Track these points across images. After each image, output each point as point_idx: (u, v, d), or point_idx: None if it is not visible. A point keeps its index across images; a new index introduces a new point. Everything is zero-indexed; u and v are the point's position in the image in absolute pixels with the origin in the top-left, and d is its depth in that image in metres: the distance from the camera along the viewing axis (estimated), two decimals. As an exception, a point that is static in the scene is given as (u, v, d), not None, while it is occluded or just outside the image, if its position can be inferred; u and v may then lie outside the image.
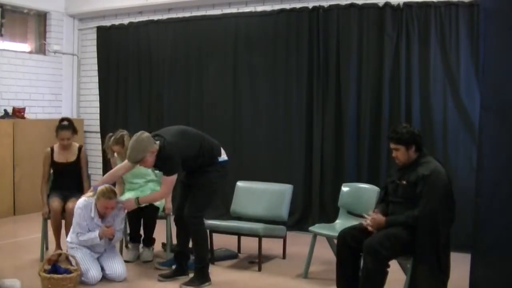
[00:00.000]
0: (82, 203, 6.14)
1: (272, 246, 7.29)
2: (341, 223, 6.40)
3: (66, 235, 6.53)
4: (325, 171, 8.60)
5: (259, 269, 6.64)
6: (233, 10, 9.50)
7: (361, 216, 5.52)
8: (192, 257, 6.34)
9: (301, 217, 8.70)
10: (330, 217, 7.76)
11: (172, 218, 6.95)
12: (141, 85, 10.34)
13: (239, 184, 7.48)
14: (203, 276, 6.01)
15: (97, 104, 10.95)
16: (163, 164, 5.81)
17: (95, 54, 10.97)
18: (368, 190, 6.53)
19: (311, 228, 6.47)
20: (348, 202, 6.69)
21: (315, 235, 6.34)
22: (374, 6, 8.23)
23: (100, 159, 10.56)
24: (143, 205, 6.50)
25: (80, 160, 7.19)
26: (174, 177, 5.83)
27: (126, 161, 6.08)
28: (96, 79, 10.94)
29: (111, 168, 6.79)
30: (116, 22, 10.70)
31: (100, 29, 10.87)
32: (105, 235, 6.10)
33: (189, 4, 9.82)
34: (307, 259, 6.36)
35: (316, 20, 8.63)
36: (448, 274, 5.05)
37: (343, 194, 6.73)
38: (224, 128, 9.15)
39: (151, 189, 6.96)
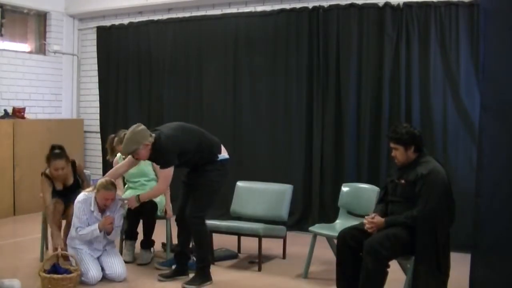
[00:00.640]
0: (82, 197, 6.16)
1: (272, 246, 7.29)
2: (341, 223, 6.40)
3: (65, 238, 6.53)
4: (325, 171, 8.60)
5: (259, 269, 6.64)
6: (233, 10, 9.50)
7: (361, 216, 5.52)
8: (192, 257, 6.36)
9: (301, 217, 8.70)
10: (330, 217, 7.76)
11: (172, 218, 6.97)
12: (141, 85, 10.34)
13: (239, 184, 7.48)
14: (204, 275, 6.03)
15: (97, 104, 10.95)
16: (157, 156, 5.83)
17: (95, 54, 10.98)
18: (368, 190, 6.53)
19: (311, 228, 6.47)
20: (348, 202, 6.69)
21: (315, 235, 6.34)
22: (374, 6, 8.23)
23: (100, 159, 10.57)
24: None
25: (78, 178, 6.85)
26: (170, 171, 5.82)
27: (127, 158, 6.10)
28: (96, 79, 10.95)
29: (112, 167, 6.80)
30: (116, 22, 10.71)
31: (100, 29, 10.88)
32: (104, 226, 6.09)
33: (189, 4, 9.82)
34: (307, 259, 6.36)
35: (316, 20, 8.63)
36: (448, 274, 5.04)
37: (343, 194, 6.73)
38: (224, 128, 9.14)
39: (151, 188, 6.96)
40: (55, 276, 5.63)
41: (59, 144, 6.74)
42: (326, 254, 6.62)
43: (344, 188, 6.77)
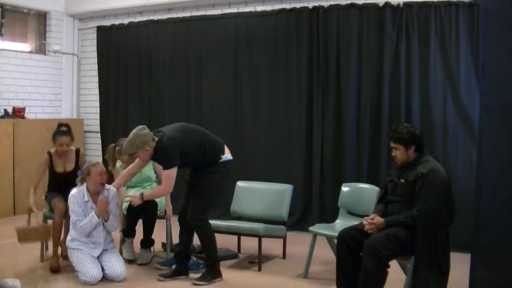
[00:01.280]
0: (74, 191, 6.24)
1: (272, 246, 7.30)
2: (341, 223, 6.41)
3: (64, 238, 6.55)
4: (325, 171, 8.60)
5: (259, 269, 6.64)
6: (233, 10, 9.50)
7: (361, 216, 5.52)
8: (193, 257, 6.39)
9: (301, 217, 8.70)
10: (330, 217, 7.76)
11: (173, 218, 6.98)
12: (141, 85, 10.35)
13: (239, 184, 7.49)
14: (214, 271, 6.12)
15: (97, 104, 10.96)
16: (160, 156, 5.88)
17: (95, 54, 10.98)
18: (368, 190, 6.54)
19: (311, 228, 6.47)
20: (348, 202, 6.69)
21: (315, 235, 6.34)
22: (374, 6, 8.23)
23: (100, 159, 10.55)
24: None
25: (79, 167, 7.00)
26: (173, 172, 5.83)
27: (138, 159, 6.13)
28: (96, 79, 10.95)
29: (113, 178, 6.82)
30: (116, 22, 10.71)
31: (100, 29, 10.88)
32: (100, 209, 6.11)
33: (189, 4, 9.82)
34: (307, 259, 6.36)
35: (316, 20, 8.63)
36: (448, 274, 5.04)
37: (343, 194, 6.74)
38: (224, 128, 9.14)
39: (150, 190, 6.97)
40: (27, 227, 6.53)
41: (65, 123, 7.21)
42: (326, 254, 6.63)
43: (344, 188, 6.78)
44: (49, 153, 6.99)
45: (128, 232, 7.00)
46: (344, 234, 5.27)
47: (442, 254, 4.96)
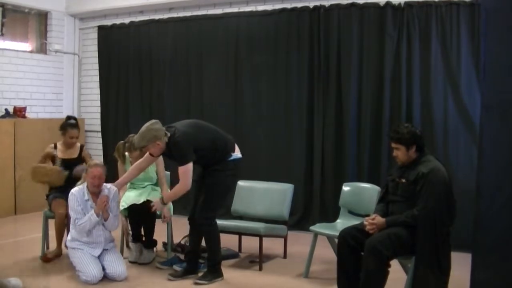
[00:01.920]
0: (75, 189, 6.26)
1: (273, 245, 7.30)
2: (342, 223, 6.41)
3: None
4: (325, 170, 8.61)
5: (260, 269, 6.65)
6: (234, 9, 9.50)
7: (362, 216, 5.52)
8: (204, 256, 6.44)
9: (302, 216, 8.71)
10: (331, 217, 7.77)
11: (173, 217, 7.00)
12: (142, 84, 10.35)
13: (240, 183, 7.48)
14: (215, 271, 6.13)
15: (98, 103, 10.97)
16: (174, 151, 5.84)
17: (96, 54, 10.98)
18: (369, 190, 6.53)
19: (312, 228, 6.47)
20: (349, 202, 6.70)
21: (316, 234, 6.34)
22: (375, 5, 8.23)
23: (101, 158, 10.56)
24: (145, 199, 6.66)
25: (82, 158, 7.22)
26: (189, 167, 5.78)
27: (146, 154, 6.14)
28: (97, 79, 10.96)
29: (118, 175, 6.84)
30: (117, 21, 10.71)
31: (101, 29, 10.88)
32: (99, 207, 6.11)
33: (190, 4, 9.82)
34: (308, 258, 6.36)
35: (317, 20, 8.63)
36: (449, 273, 5.04)
37: (344, 193, 6.74)
38: (224, 127, 8.99)
39: (150, 190, 6.98)
40: (42, 165, 6.96)
41: (73, 115, 7.56)
42: (327, 254, 6.64)
43: (345, 188, 6.78)
44: (55, 144, 7.23)
45: (134, 237, 7.03)
46: (345, 234, 5.27)
47: (442, 253, 4.96)
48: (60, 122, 7.46)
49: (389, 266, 4.97)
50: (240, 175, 6.36)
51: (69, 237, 6.34)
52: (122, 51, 10.58)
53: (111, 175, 6.87)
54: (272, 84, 9.01)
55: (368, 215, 5.41)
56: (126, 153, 7.05)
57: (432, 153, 5.52)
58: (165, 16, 10.17)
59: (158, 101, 10.15)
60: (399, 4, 8.05)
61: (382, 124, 8.11)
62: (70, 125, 7.16)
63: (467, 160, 7.54)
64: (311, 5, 8.73)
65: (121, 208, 6.70)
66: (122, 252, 6.95)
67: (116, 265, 6.17)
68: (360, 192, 6.65)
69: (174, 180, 7.45)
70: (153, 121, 5.88)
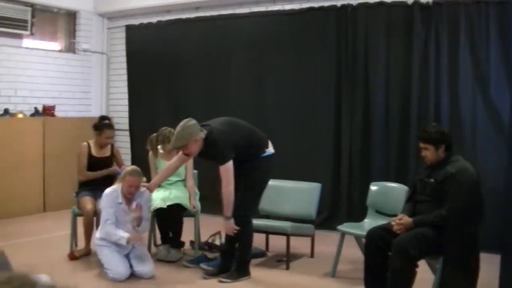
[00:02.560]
0: (109, 190, 6.28)
1: (300, 244, 7.29)
2: (369, 222, 6.37)
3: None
4: (353, 169, 8.58)
5: (287, 268, 6.64)
6: (261, 8, 9.49)
7: (390, 216, 5.49)
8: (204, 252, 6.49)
9: (329, 215, 8.69)
10: (358, 216, 7.72)
11: (200, 216, 7.01)
12: (169, 83, 10.39)
13: (268, 182, 7.46)
14: (243, 270, 6.14)
15: (126, 102, 11.04)
16: (212, 150, 5.81)
17: (124, 53, 11.05)
18: (397, 189, 6.49)
19: (339, 227, 6.46)
20: (376, 201, 6.66)
21: (343, 234, 6.33)
22: (403, 4, 8.17)
23: (129, 157, 10.63)
24: (171, 203, 6.76)
25: (114, 155, 7.38)
26: (230, 165, 5.77)
27: (179, 154, 6.14)
28: (125, 77, 11.03)
29: (147, 167, 6.90)
30: (145, 20, 10.76)
31: (128, 28, 10.94)
32: (133, 241, 6.17)
33: (217, 3, 9.84)
34: (335, 258, 6.35)
35: (344, 19, 8.60)
36: (477, 274, 5.00)
37: (371, 193, 6.70)
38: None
39: (179, 188, 7.00)
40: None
41: (105, 115, 7.71)
42: (354, 253, 6.61)
43: (373, 187, 6.74)
44: (88, 143, 7.29)
45: (163, 239, 7.11)
46: (372, 234, 5.26)
47: (471, 254, 4.92)
48: (88, 121, 7.54)
49: (416, 266, 4.93)
50: (273, 170, 6.33)
51: (97, 235, 6.37)
52: (149, 50, 10.62)
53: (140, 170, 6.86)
54: (299, 83, 8.99)
55: (395, 215, 5.38)
56: (159, 146, 7.09)
57: (460, 152, 5.48)
58: (192, 15, 10.19)
59: (184, 99, 10.18)
60: (427, 2, 7.99)
61: (410, 123, 8.05)
62: (106, 125, 7.27)
63: (496, 160, 7.45)
64: (339, 4, 8.69)
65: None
66: (149, 250, 6.97)
67: (144, 263, 6.20)
68: (388, 192, 6.62)
69: (201, 179, 7.51)
70: (187, 119, 5.85)
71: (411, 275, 4.88)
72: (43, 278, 5.60)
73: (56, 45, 10.88)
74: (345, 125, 8.60)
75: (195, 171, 7.33)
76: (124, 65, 11.05)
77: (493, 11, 7.55)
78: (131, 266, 6.18)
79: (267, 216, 7.31)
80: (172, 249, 6.93)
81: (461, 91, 7.74)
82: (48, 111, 10.05)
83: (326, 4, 8.81)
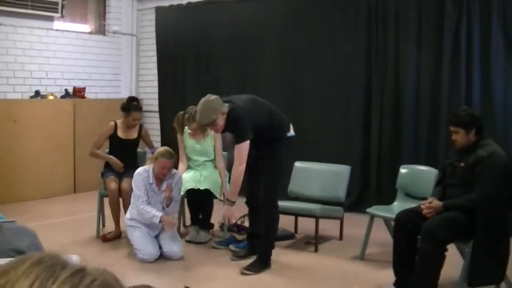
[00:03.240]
0: (141, 169, 6.35)
1: (329, 227, 7.28)
2: (399, 205, 6.35)
3: (125, 212, 6.67)
4: (382, 152, 8.54)
5: (316, 250, 6.67)
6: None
7: (419, 199, 5.47)
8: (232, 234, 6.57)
9: (358, 198, 8.67)
10: (387, 199, 7.70)
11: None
12: (199, 65, 10.40)
13: (297, 164, 7.47)
14: (264, 260, 5.98)
15: (156, 83, 11.06)
16: (233, 127, 5.71)
17: (154, 34, 11.06)
18: (427, 172, 6.46)
19: (368, 210, 6.46)
20: (406, 184, 6.63)
21: (372, 216, 6.33)
22: (434, -16, 8.09)
23: (159, 138, 10.68)
24: (202, 187, 6.79)
25: (142, 138, 7.42)
26: (246, 146, 5.64)
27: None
28: (155, 59, 11.05)
29: (176, 148, 7.01)
30: (175, 2, 10.75)
31: (158, 10, 10.95)
32: (165, 222, 6.19)
33: (247, -16, 9.81)
34: (364, 241, 6.36)
35: (374, 0, 8.52)
36: (507, 260, 4.97)
37: (401, 176, 6.68)
38: (281, 109, 9.13)
39: (208, 169, 7.03)
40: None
41: (135, 96, 7.88)
42: (383, 236, 6.59)
43: (402, 170, 6.71)
44: (115, 122, 7.34)
45: (193, 220, 7.17)
46: (402, 217, 5.25)
47: (501, 239, 4.90)
48: (118, 102, 7.59)
49: (446, 250, 4.92)
50: (294, 152, 6.33)
51: (128, 215, 6.43)
52: (179, 32, 10.62)
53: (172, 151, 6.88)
54: (329, 65, 8.95)
55: (425, 198, 5.37)
56: (186, 127, 7.12)
57: (492, 136, 5.43)
58: (222, -3, 10.18)
59: (214, 81, 10.18)
60: (459, -17, 7.90)
61: (440, 106, 7.98)
62: (134, 107, 7.27)
63: (529, 144, 7.40)
64: (369, -15, 8.63)
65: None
66: (179, 231, 7.02)
67: (173, 244, 6.26)
68: (417, 175, 6.59)
69: (230, 160, 7.52)
70: (207, 95, 5.73)
71: (440, 259, 4.87)
72: (74, 258, 5.69)
73: (86, 27, 10.94)
74: (375, 107, 8.56)
75: (225, 153, 7.34)
76: (154, 47, 11.07)
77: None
78: (160, 247, 6.25)
79: (296, 198, 7.32)
80: (201, 231, 6.98)
81: (493, 74, 7.64)
82: (78, 93, 10.12)
83: (357, -15, 8.75)
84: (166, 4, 10.87)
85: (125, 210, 6.75)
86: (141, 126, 7.50)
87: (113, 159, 7.19)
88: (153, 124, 11.03)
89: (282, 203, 6.72)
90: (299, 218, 7.30)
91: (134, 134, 7.37)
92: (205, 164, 7.11)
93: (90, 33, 10.91)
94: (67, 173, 9.76)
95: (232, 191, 5.88)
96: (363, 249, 6.37)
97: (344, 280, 5.80)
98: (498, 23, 7.60)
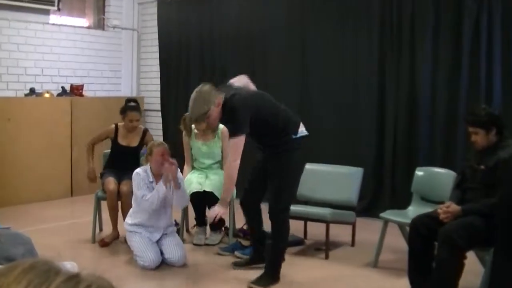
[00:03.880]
0: (139, 170, 6.31)
1: (340, 232, 7.26)
2: (414, 210, 6.32)
3: (124, 217, 6.66)
4: (397, 153, 8.51)
5: (326, 257, 6.64)
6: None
7: (436, 203, 5.46)
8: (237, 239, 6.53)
9: (371, 202, 8.64)
10: (402, 203, 7.67)
11: (235, 201, 6.99)
12: (203, 61, 10.39)
13: (307, 166, 7.39)
14: (274, 274, 5.74)
15: (158, 81, 11.07)
16: (228, 117, 5.48)
17: (156, 29, 11.06)
18: (444, 175, 6.43)
19: (382, 214, 6.43)
20: (422, 188, 6.61)
21: (386, 221, 6.30)
22: (453, -25, 8.06)
23: (161, 139, 10.65)
24: (208, 190, 6.80)
25: (143, 146, 7.29)
26: (241, 140, 5.39)
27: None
28: (157, 55, 11.05)
29: (181, 149, 7.01)
30: (178, -5, 10.76)
31: (161, 3, 10.95)
32: (167, 177, 6.09)
33: (253, -23, 9.80)
34: (377, 247, 6.33)
35: (389, -8, 8.52)
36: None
37: (417, 178, 6.64)
38: (289, 105, 9.09)
39: (214, 172, 7.03)
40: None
41: (134, 97, 7.78)
42: (397, 242, 6.56)
43: (418, 172, 6.69)
44: (116, 125, 7.34)
45: (199, 221, 7.17)
46: (417, 222, 5.23)
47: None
48: (118, 100, 7.62)
49: (465, 257, 4.89)
50: (306, 155, 6.18)
51: (128, 220, 6.42)
52: (183, 27, 10.61)
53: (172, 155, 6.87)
54: (340, 59, 8.92)
55: (442, 203, 5.34)
56: (193, 126, 7.09)
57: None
58: (227, -10, 10.17)
59: (220, 78, 10.13)
60: (479, -26, 7.87)
61: (459, 103, 7.93)
62: (130, 107, 7.25)
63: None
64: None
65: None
66: (182, 236, 7.01)
67: (175, 250, 6.24)
68: (434, 178, 6.57)
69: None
70: (200, 85, 5.61)
71: (458, 267, 4.84)
72: (68, 265, 5.67)
73: (84, 21, 10.93)
74: (389, 105, 8.52)
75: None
76: (156, 43, 11.07)
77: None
78: (161, 253, 6.23)
79: (306, 202, 7.29)
80: (212, 232, 6.99)
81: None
82: (76, 90, 10.12)
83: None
84: (169, -3, 10.87)
85: (123, 214, 6.75)
86: (145, 132, 7.42)
87: (89, 167, 7.33)
88: (155, 124, 11.04)
89: (291, 208, 6.68)
90: (309, 223, 7.27)
91: (135, 141, 7.31)
92: (211, 167, 7.13)
93: (89, 27, 10.91)
94: (63, 175, 9.74)
95: (226, 188, 5.71)
96: (376, 256, 6.34)
97: (357, 289, 5.78)
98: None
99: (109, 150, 7.46)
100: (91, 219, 7.23)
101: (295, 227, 7.13)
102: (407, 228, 5.69)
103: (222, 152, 7.11)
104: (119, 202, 6.99)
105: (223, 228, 7.21)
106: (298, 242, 7.13)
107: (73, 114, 9.85)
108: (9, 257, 3.07)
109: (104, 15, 11.09)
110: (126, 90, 11.13)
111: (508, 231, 4.81)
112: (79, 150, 9.59)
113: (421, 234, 5.16)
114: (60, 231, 7.70)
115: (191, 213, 7.31)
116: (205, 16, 10.33)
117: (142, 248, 6.15)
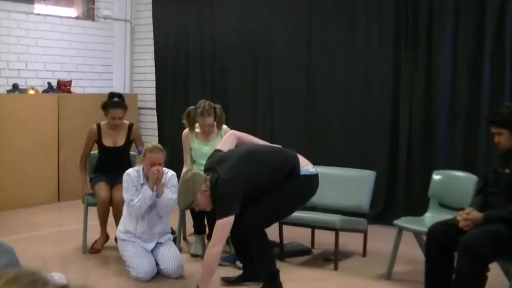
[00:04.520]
0: (130, 171, 6.34)
1: (350, 241, 7.28)
2: (431, 217, 6.31)
3: (116, 224, 6.66)
4: (412, 155, 8.50)
5: (335, 268, 6.63)
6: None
7: (455, 209, 5.45)
8: None
9: (384, 208, 8.64)
10: (418, 210, 7.67)
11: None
12: (203, 57, 10.39)
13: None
14: (273, 284, 5.70)
15: (153, 77, 11.08)
16: (217, 204, 5.49)
17: (151, 20, 11.04)
18: (464, 179, 6.42)
19: (396, 222, 6.41)
20: (440, 193, 6.59)
21: (400, 229, 6.28)
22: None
23: (156, 139, 10.67)
24: None
25: (130, 143, 7.33)
26: (227, 224, 5.40)
27: (228, 133, 6.17)
28: (152, 49, 11.06)
29: (179, 150, 6.98)
30: (175, -18, 10.76)
31: (156, -9, 10.97)
32: (152, 180, 6.10)
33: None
34: (391, 257, 6.31)
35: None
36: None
37: (434, 183, 6.63)
38: (296, 108, 9.14)
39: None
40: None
41: (118, 92, 7.65)
42: (413, 252, 6.57)
43: (436, 176, 6.67)
44: (98, 125, 7.29)
45: (197, 229, 7.17)
46: (435, 230, 5.22)
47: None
48: (111, 92, 7.60)
49: (487, 269, 4.87)
50: (312, 194, 6.02)
51: (120, 227, 6.41)
52: (180, 18, 10.61)
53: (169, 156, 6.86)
54: (350, 56, 8.92)
55: (462, 209, 5.32)
56: (196, 124, 7.11)
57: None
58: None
59: (220, 75, 10.16)
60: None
61: (480, 101, 7.92)
62: (112, 104, 7.18)
63: None
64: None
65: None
66: (179, 245, 7.01)
67: (171, 260, 6.24)
68: (453, 182, 6.55)
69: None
70: (183, 173, 5.80)
71: (481, 279, 4.82)
72: (56, 275, 5.66)
73: (72, 11, 10.94)
74: (404, 104, 8.51)
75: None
76: (151, 35, 11.06)
77: None
78: (156, 264, 6.22)
79: (313, 208, 7.28)
80: (209, 242, 7.00)
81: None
82: (63, 86, 10.12)
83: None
84: (165, -16, 10.87)
85: (116, 221, 6.75)
86: (131, 127, 7.38)
87: (84, 189, 7.26)
88: (149, 123, 11.06)
89: (297, 214, 6.59)
90: (316, 231, 7.27)
91: (121, 140, 7.29)
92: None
93: (77, 18, 10.92)
94: (50, 178, 9.74)
95: (204, 276, 5.56)
96: (390, 267, 6.32)
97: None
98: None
99: (96, 152, 7.43)
100: (80, 226, 7.23)
101: (302, 236, 7.16)
102: (424, 237, 5.67)
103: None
104: (111, 207, 6.98)
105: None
106: (305, 251, 7.14)
107: (60, 113, 9.84)
108: (-9, 268, 3.05)
109: (94, 4, 11.10)
110: (118, 87, 11.12)
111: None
112: (66, 152, 9.61)
113: (439, 243, 5.15)
114: (47, 239, 7.70)
115: (189, 220, 7.30)
116: (205, 7, 10.31)
117: (136, 258, 6.14)
